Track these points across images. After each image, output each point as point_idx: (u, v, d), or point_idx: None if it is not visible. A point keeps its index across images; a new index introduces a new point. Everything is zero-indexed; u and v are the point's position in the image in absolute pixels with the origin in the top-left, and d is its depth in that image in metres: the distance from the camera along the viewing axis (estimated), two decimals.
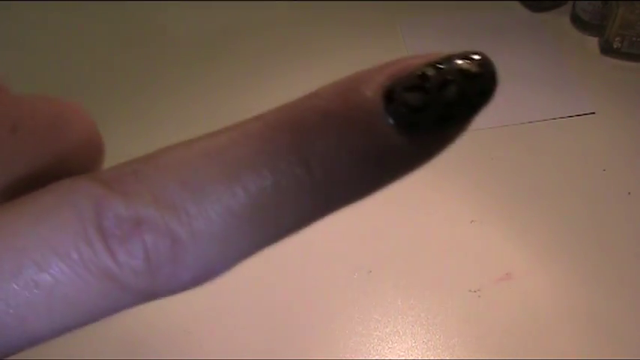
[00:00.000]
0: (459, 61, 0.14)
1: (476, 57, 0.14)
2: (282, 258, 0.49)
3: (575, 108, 0.61)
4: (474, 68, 0.14)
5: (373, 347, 0.46)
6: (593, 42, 0.66)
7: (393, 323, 0.47)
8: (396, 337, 0.46)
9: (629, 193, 0.54)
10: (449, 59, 0.14)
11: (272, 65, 0.66)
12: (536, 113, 0.60)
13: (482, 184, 0.55)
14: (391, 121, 0.13)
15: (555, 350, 0.45)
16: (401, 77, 0.13)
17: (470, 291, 0.48)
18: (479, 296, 0.48)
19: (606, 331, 0.46)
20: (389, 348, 0.46)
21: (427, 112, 0.13)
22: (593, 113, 0.60)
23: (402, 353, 0.46)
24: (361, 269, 0.50)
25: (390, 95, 0.13)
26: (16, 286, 0.11)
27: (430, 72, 0.13)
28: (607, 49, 0.64)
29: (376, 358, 0.46)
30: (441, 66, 0.13)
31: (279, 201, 0.12)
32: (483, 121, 0.60)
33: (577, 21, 0.67)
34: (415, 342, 0.46)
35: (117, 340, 0.47)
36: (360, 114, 0.13)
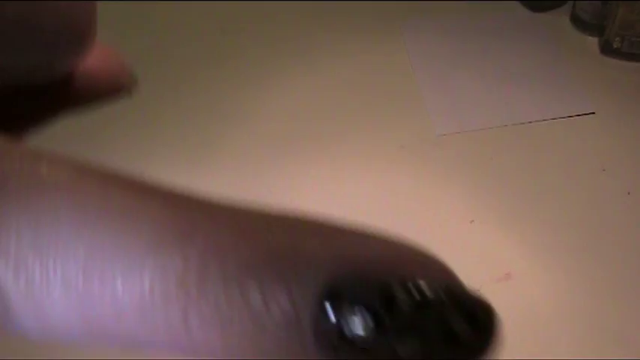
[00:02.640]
0: (453, 314, 0.09)
1: (479, 315, 0.09)
2: None
3: (575, 108, 0.61)
4: (464, 332, 0.09)
5: None
6: (593, 42, 0.66)
7: None
8: None
9: (629, 193, 0.54)
10: (445, 297, 0.09)
11: (272, 67, 0.66)
12: (536, 113, 0.60)
13: (482, 184, 0.55)
14: (313, 339, 0.09)
15: (555, 350, 0.45)
16: (359, 283, 0.09)
17: None
18: None
19: (606, 330, 0.46)
20: None
21: (363, 351, 0.09)
22: (593, 113, 0.60)
23: None
24: None
25: (330, 299, 0.09)
26: None
27: (404, 300, 0.09)
28: (607, 49, 0.64)
29: None
30: (423, 298, 0.09)
31: None
32: (483, 121, 0.60)
33: (577, 21, 0.67)
34: None
35: None
36: (279, 298, 0.09)
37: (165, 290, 0.09)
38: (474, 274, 0.49)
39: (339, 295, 0.09)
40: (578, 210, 0.53)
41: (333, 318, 0.09)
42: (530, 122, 0.60)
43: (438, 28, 0.69)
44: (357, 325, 0.09)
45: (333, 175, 0.57)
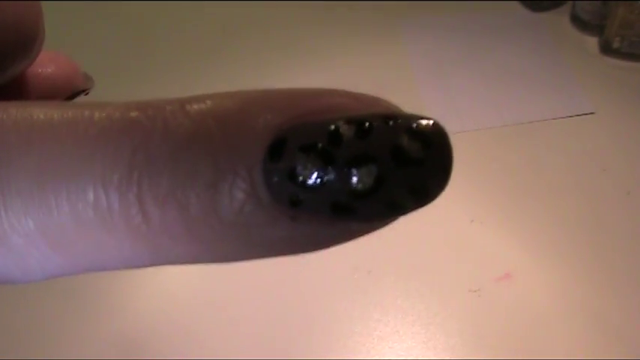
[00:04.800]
0: (396, 131, 0.09)
1: (426, 130, 0.09)
2: (282, 258, 0.49)
3: (575, 108, 0.61)
4: (415, 150, 0.09)
5: (373, 347, 0.46)
6: (593, 42, 0.66)
7: (393, 323, 0.47)
8: (396, 337, 0.46)
9: (629, 193, 0.54)
10: (385, 119, 0.09)
11: (272, 67, 0.66)
12: (536, 113, 0.60)
13: (482, 184, 0.55)
14: (265, 187, 0.09)
15: (555, 350, 0.45)
16: (303, 126, 0.09)
17: (470, 291, 0.48)
18: (479, 296, 0.48)
19: (606, 330, 0.46)
20: (389, 348, 0.46)
21: (320, 193, 0.09)
22: (593, 113, 0.60)
23: (402, 353, 0.46)
24: (361, 269, 0.50)
25: (278, 147, 0.09)
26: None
27: (347, 132, 0.09)
28: (607, 49, 0.64)
29: (376, 358, 0.46)
30: (366, 126, 0.09)
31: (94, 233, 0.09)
32: (483, 121, 0.60)
33: (577, 21, 0.67)
34: (415, 342, 0.46)
35: (117, 340, 0.47)
36: (227, 161, 0.09)
37: (117, 184, 0.09)
38: (474, 274, 0.49)
39: (285, 142, 0.09)
40: (578, 210, 0.53)
41: (282, 165, 0.09)
42: (530, 122, 0.60)
43: (438, 28, 0.69)
44: (308, 166, 0.09)
45: None
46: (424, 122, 0.10)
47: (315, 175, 0.09)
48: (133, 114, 0.09)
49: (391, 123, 0.09)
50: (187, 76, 0.66)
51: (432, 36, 0.68)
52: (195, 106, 0.09)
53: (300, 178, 0.09)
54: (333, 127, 0.09)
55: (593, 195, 0.54)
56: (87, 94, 0.17)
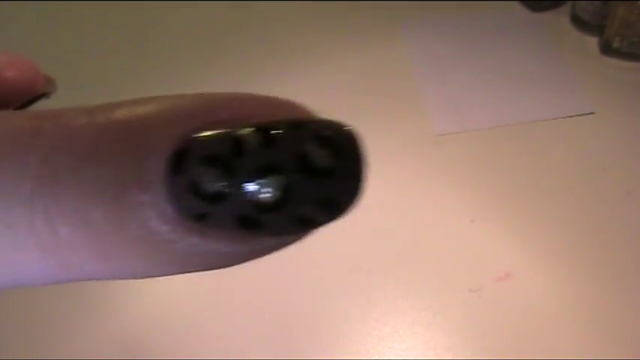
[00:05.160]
0: (303, 138, 0.08)
1: (335, 136, 0.09)
2: (282, 258, 0.49)
3: (575, 108, 0.61)
4: (322, 159, 0.08)
5: (373, 347, 0.46)
6: (592, 42, 0.66)
7: (393, 323, 0.47)
8: (396, 337, 0.46)
9: (629, 193, 0.54)
10: (293, 126, 0.09)
11: (272, 67, 0.66)
12: (536, 113, 0.60)
13: (482, 184, 0.55)
14: (168, 201, 0.09)
15: (555, 350, 0.45)
16: (206, 135, 0.09)
17: (470, 291, 0.48)
18: (479, 296, 0.48)
19: (606, 330, 0.46)
20: (389, 348, 0.46)
21: (225, 206, 0.09)
22: (593, 113, 0.60)
23: (402, 353, 0.46)
24: (361, 269, 0.50)
25: (180, 159, 0.09)
26: None
27: (251, 141, 0.09)
28: (607, 49, 0.64)
29: (376, 358, 0.46)
30: (271, 134, 0.09)
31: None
32: (483, 121, 0.60)
33: (577, 21, 0.67)
34: (415, 342, 0.46)
35: (117, 340, 0.47)
36: (130, 173, 0.09)
37: (24, 199, 0.09)
38: (474, 274, 0.49)
39: (188, 153, 0.09)
40: (578, 210, 0.53)
41: (185, 177, 0.08)
42: (530, 122, 0.60)
43: (438, 28, 0.69)
44: (211, 178, 0.08)
45: None
46: (334, 128, 0.09)
47: (217, 187, 0.08)
48: (44, 124, 0.09)
49: (298, 130, 0.09)
50: (187, 76, 0.66)
51: (432, 36, 0.68)
52: (102, 116, 0.09)
53: (204, 191, 0.09)
54: (236, 136, 0.08)
55: (593, 195, 0.54)
56: (48, 97, 0.16)
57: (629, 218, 0.52)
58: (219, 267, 0.10)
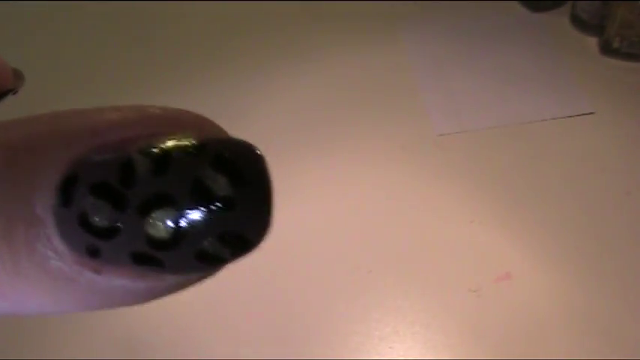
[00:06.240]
0: (198, 163, 0.07)
1: (236, 160, 0.07)
2: (282, 258, 0.49)
3: (575, 108, 0.61)
4: (221, 187, 0.07)
5: (373, 347, 0.46)
6: (592, 42, 0.66)
7: (393, 323, 0.47)
8: (396, 337, 0.46)
9: (629, 193, 0.54)
10: (189, 148, 0.07)
11: (272, 67, 0.66)
12: (536, 113, 0.60)
13: (482, 184, 0.55)
14: (58, 236, 0.08)
15: (555, 350, 0.45)
16: (96, 160, 0.08)
17: (470, 291, 0.48)
18: (479, 296, 0.48)
19: (606, 331, 0.46)
20: (389, 348, 0.46)
21: (117, 241, 0.08)
22: (593, 113, 0.60)
23: (402, 353, 0.46)
24: (361, 269, 0.50)
25: (69, 187, 0.08)
26: None
27: (142, 167, 0.07)
28: (607, 49, 0.64)
29: (376, 358, 0.46)
30: (165, 159, 0.07)
31: None
32: (483, 121, 0.60)
33: (577, 21, 0.67)
34: (415, 342, 0.46)
35: (117, 340, 0.47)
36: (18, 206, 0.08)
37: None
38: (474, 274, 0.49)
39: (76, 180, 0.07)
40: (578, 210, 0.53)
41: (73, 209, 0.07)
42: (530, 122, 0.60)
43: (438, 29, 0.69)
44: (99, 210, 0.07)
45: (333, 174, 0.57)
46: (235, 149, 0.07)
47: (107, 220, 0.07)
48: None
49: (195, 153, 0.07)
50: (187, 76, 0.66)
51: (432, 36, 0.68)
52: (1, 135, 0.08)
53: (94, 226, 0.07)
54: (126, 161, 0.07)
55: (593, 195, 0.54)
56: (15, 93, 0.16)
57: (629, 218, 0.52)
58: (128, 304, 0.09)
